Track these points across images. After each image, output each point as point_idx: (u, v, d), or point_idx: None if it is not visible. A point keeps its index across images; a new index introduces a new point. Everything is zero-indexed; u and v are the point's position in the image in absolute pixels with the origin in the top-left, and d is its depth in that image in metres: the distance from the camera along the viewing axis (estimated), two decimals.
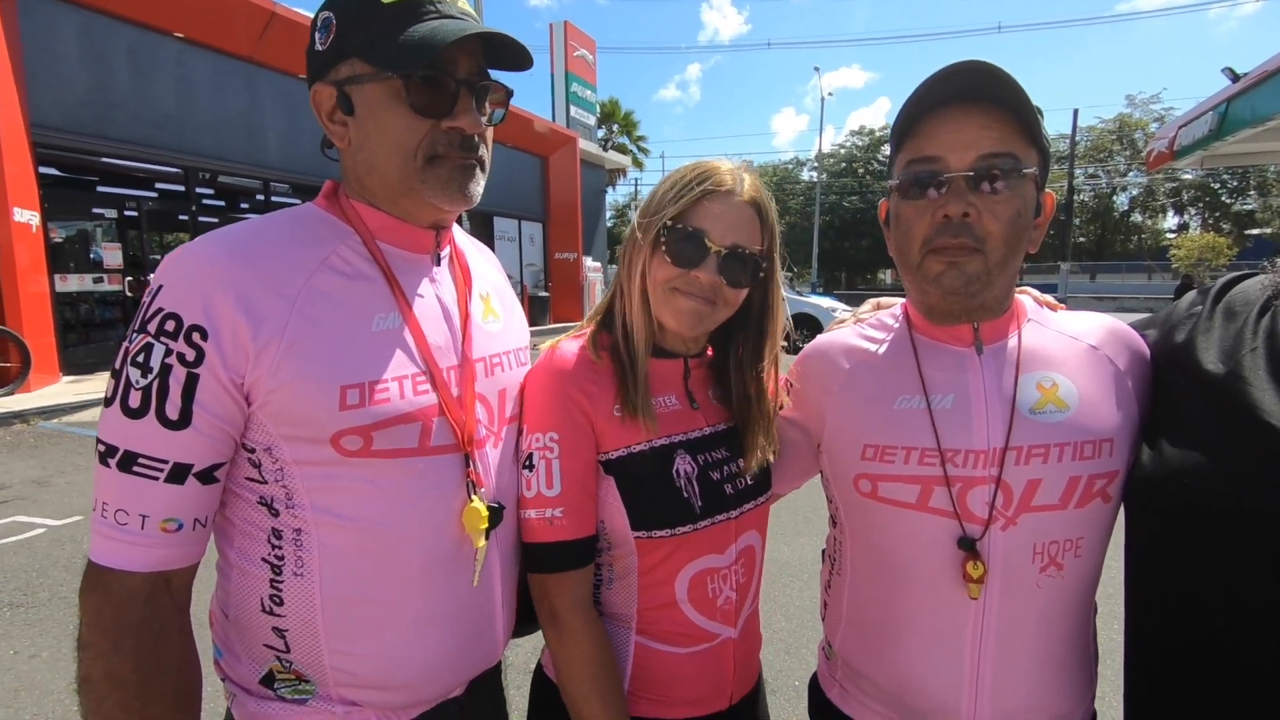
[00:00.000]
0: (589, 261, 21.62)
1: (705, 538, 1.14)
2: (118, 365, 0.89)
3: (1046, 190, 1.07)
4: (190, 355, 0.87)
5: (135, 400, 0.87)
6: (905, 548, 1.07)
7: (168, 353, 0.87)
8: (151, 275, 0.94)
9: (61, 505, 5.43)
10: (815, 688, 1.30)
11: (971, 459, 1.03)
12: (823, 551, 1.32)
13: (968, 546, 1.01)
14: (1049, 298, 1.21)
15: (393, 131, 0.97)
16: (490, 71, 1.05)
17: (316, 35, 1.01)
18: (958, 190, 0.99)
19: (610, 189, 26.33)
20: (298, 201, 15.10)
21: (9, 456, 6.81)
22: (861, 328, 1.24)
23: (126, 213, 13.08)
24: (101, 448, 0.88)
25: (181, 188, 11.80)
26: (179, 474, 0.88)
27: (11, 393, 8.58)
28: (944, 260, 1.01)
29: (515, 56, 1.04)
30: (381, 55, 0.95)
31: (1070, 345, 1.09)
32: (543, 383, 1.13)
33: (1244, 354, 0.92)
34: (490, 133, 1.08)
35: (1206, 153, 8.98)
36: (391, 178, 1.00)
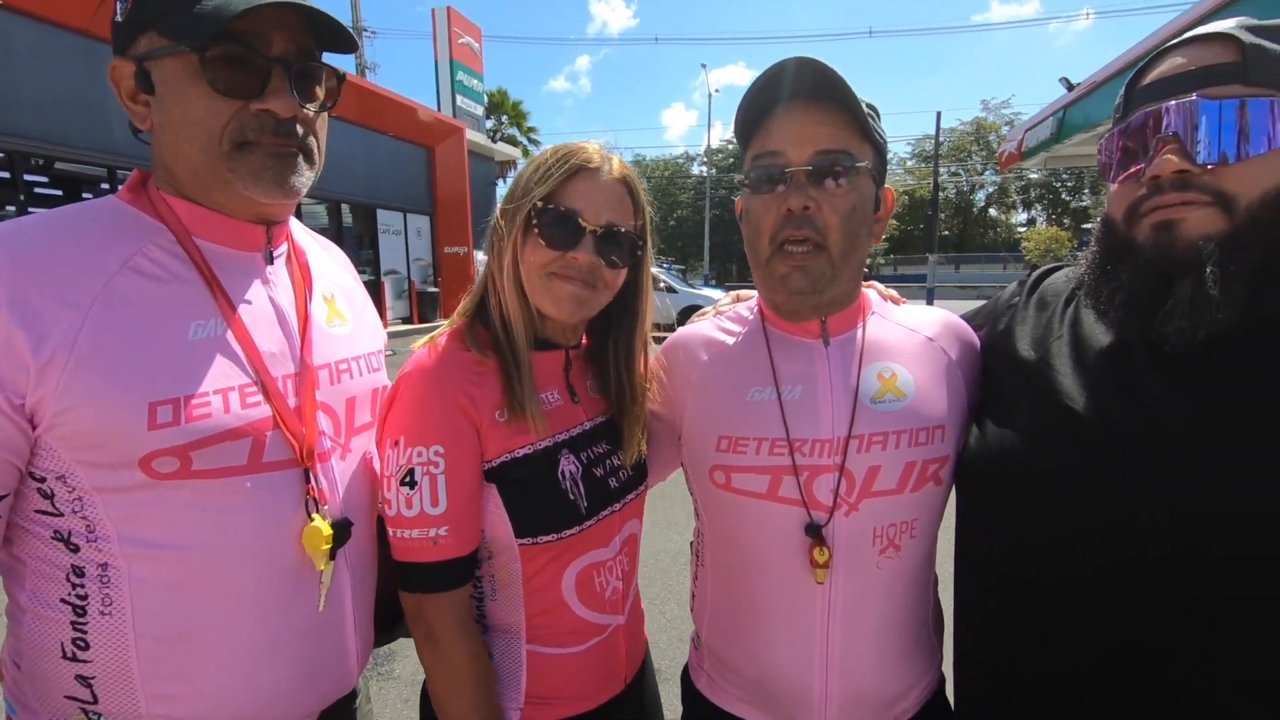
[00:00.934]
0: (480, 255, 20.89)
1: (591, 535, 1.12)
2: None
3: (886, 186, 1.12)
4: None
5: None
6: (757, 537, 1.10)
7: None
8: None
9: None
10: (686, 678, 1.31)
11: (818, 448, 1.07)
12: (691, 544, 1.34)
13: (814, 533, 1.05)
14: (892, 291, 1.28)
15: (193, 113, 0.88)
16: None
17: (118, 5, 0.91)
18: (798, 184, 1.02)
19: (501, 181, 25.76)
20: (106, 186, 13.68)
21: None
22: (720, 320, 1.26)
23: None
24: None
25: (6, 174, 10.44)
26: None
27: None
28: (790, 263, 1.04)
29: (338, 37, 0.97)
30: (174, 27, 0.86)
31: (909, 337, 1.16)
32: (421, 389, 1.04)
33: (1052, 341, 1.00)
34: (323, 121, 1.01)
35: (1048, 154, 9.92)
36: (197, 165, 0.91)
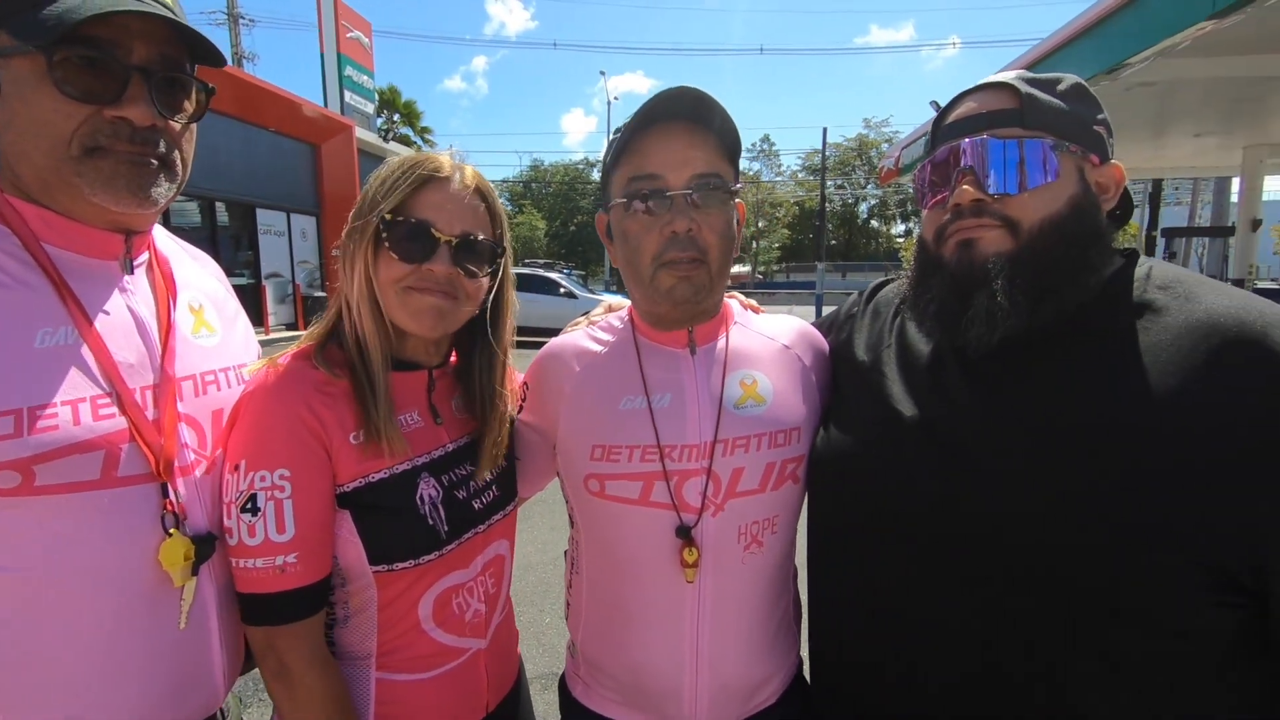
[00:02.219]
0: None
1: (451, 558, 1.10)
2: None
3: (738, 201, 1.19)
4: None
5: None
6: (630, 541, 1.13)
7: None
8: None
9: None
10: (563, 686, 1.32)
11: (686, 453, 1.11)
12: (565, 553, 1.35)
13: (684, 534, 1.09)
14: (751, 301, 1.36)
15: (40, 114, 0.85)
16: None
17: None
18: (680, 208, 1.07)
19: None
20: None
21: None
22: (593, 330, 1.29)
23: None
24: None
25: None
26: None
27: None
28: (676, 274, 1.09)
29: (202, 48, 0.95)
30: (20, 25, 0.82)
31: (767, 345, 1.23)
32: (264, 408, 0.98)
33: (883, 349, 1.11)
34: (190, 133, 0.98)
35: None
36: (42, 167, 0.87)
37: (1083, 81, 0.98)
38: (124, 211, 0.92)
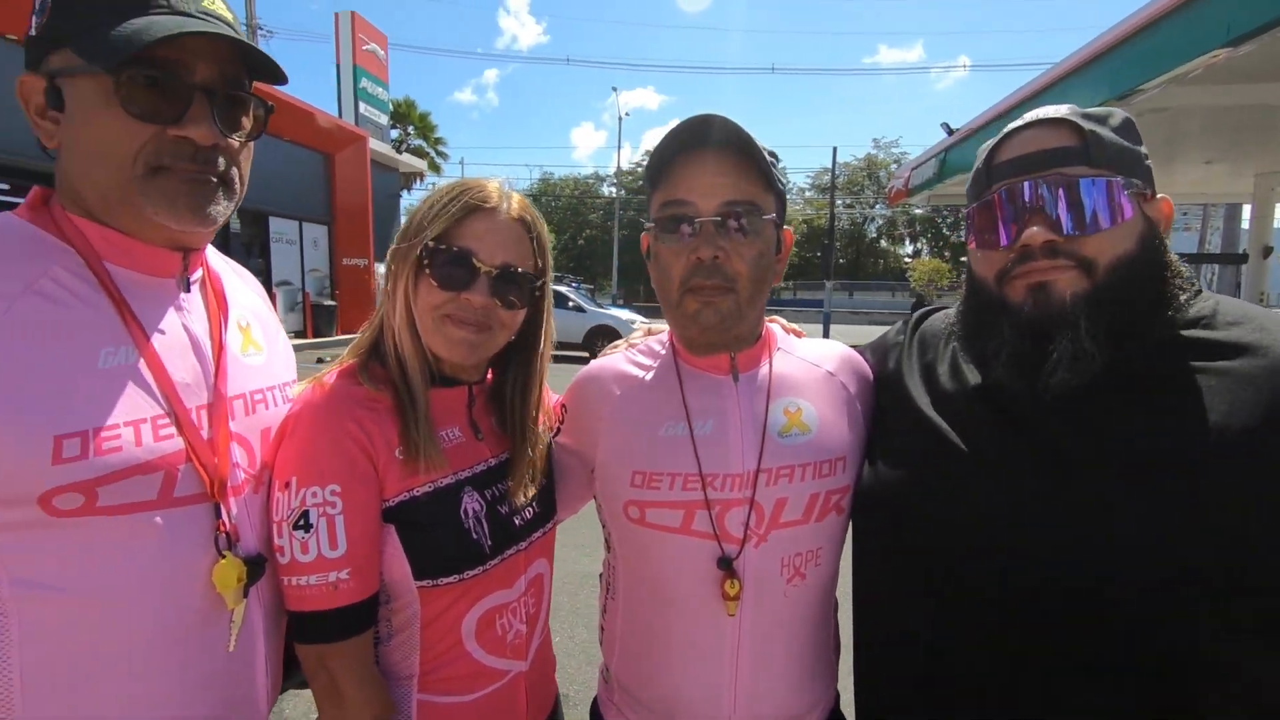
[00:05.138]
0: (381, 268, 20.30)
1: (495, 576, 1.09)
2: None
3: (786, 227, 1.18)
4: None
5: None
6: (670, 571, 1.12)
7: None
8: None
9: None
10: (595, 712, 1.31)
11: (729, 482, 1.10)
12: (600, 576, 1.34)
13: (725, 566, 1.07)
14: (794, 325, 1.35)
15: (105, 134, 0.85)
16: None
17: (34, 18, 0.88)
18: (707, 235, 1.06)
19: (406, 192, 25.01)
20: (5, 187, 12.40)
21: None
22: (633, 354, 1.28)
23: None
24: None
25: None
26: None
27: None
28: (700, 300, 1.08)
29: (265, 69, 0.95)
30: (89, 47, 0.82)
31: (811, 372, 1.22)
32: (314, 425, 0.99)
33: (939, 386, 1.08)
34: (248, 151, 0.98)
35: (932, 193, 10.72)
36: (106, 187, 0.87)
37: (1130, 117, 0.96)
38: (184, 230, 0.92)
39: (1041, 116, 0.97)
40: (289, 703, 2.92)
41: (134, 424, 0.85)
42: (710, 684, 1.10)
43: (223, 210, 0.94)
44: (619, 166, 44.83)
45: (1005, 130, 1.00)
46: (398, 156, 22.90)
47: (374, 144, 19.73)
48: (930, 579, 0.98)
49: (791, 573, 1.10)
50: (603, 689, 1.30)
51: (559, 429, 1.29)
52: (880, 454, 1.12)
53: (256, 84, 0.97)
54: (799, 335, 1.32)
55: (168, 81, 0.86)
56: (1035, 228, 0.91)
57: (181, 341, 0.95)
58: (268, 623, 1.00)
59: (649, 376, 1.22)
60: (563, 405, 1.30)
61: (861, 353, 1.32)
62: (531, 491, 1.17)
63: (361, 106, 20.34)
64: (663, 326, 1.35)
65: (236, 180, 0.96)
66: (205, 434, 0.93)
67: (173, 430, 0.89)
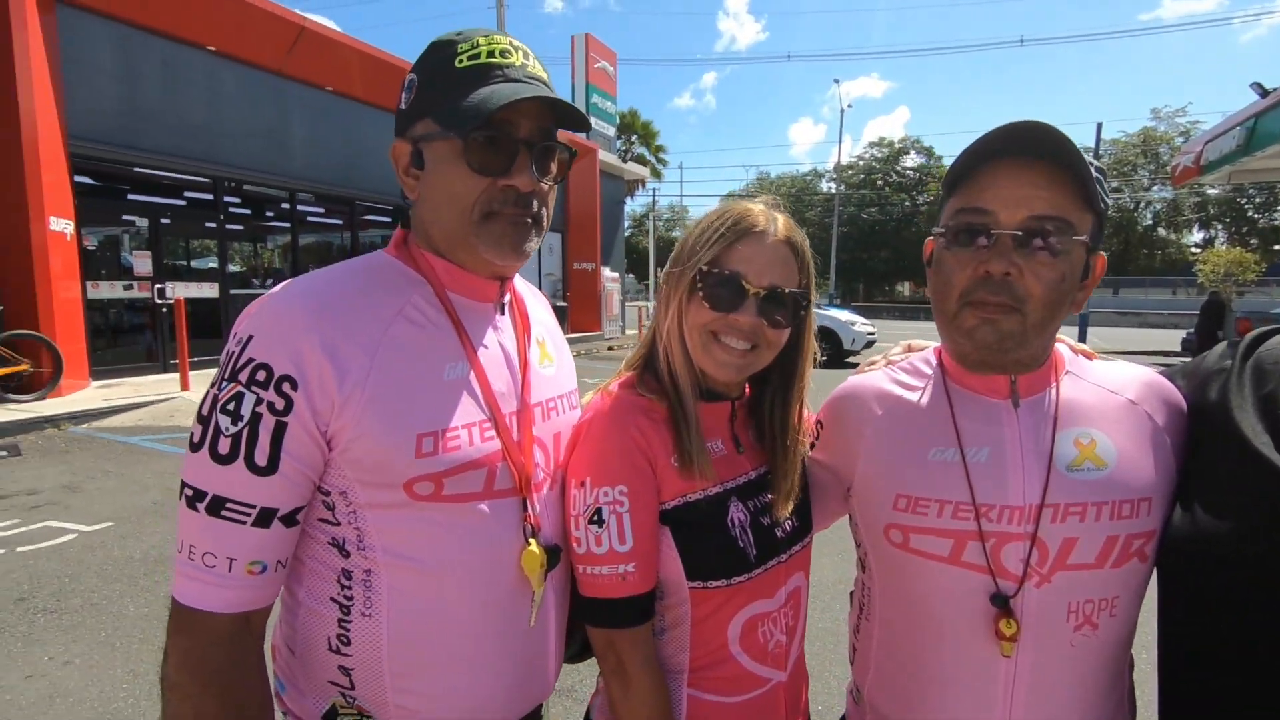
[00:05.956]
0: (607, 271, 21.71)
1: (758, 584, 1.14)
2: (205, 412, 0.93)
3: (1099, 252, 1.05)
4: (280, 404, 0.91)
5: (225, 447, 0.90)
6: (936, 601, 1.07)
7: (258, 401, 0.90)
8: (236, 324, 0.97)
9: (92, 511, 5.54)
10: None
11: (1006, 515, 1.03)
12: (850, 594, 1.32)
13: (1001, 604, 1.01)
14: (1084, 346, 1.21)
15: (453, 187, 1.02)
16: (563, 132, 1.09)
17: (403, 95, 1.08)
18: (1003, 248, 0.98)
19: (629, 199, 26.37)
20: (320, 210, 15.26)
21: (40, 461, 6.95)
22: (893, 371, 1.24)
23: (161, 220, 13.37)
24: (189, 492, 0.91)
25: (210, 196, 12.04)
26: (265, 518, 0.92)
27: (43, 397, 8.76)
28: (979, 315, 1.01)
29: (572, 118, 1.08)
30: (446, 116, 1.00)
31: (1108, 399, 1.09)
32: (604, 431, 1.11)
33: (1278, 420, 0.91)
34: (554, 192, 1.12)
35: (1234, 168, 8.86)
36: (451, 230, 1.05)
37: None
38: (505, 264, 1.08)
39: None
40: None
41: (468, 427, 1.02)
42: None
43: (535, 245, 1.09)
44: (839, 161, 43.08)
45: None
46: (623, 165, 24.26)
47: (602, 155, 21.12)
48: (1259, 647, 0.84)
49: (1080, 620, 1.00)
50: (852, 709, 1.28)
51: (813, 444, 1.30)
52: (1199, 498, 0.96)
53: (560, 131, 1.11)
54: (1090, 357, 1.18)
55: (502, 140, 1.01)
56: None
57: (498, 357, 1.11)
58: (558, 605, 1.15)
59: (914, 396, 1.17)
60: (819, 421, 1.31)
61: (1170, 378, 1.14)
62: (791, 506, 1.19)
63: (592, 120, 21.84)
64: (925, 343, 1.30)
65: (545, 217, 1.10)
66: (515, 437, 1.08)
67: (493, 433, 1.05)
